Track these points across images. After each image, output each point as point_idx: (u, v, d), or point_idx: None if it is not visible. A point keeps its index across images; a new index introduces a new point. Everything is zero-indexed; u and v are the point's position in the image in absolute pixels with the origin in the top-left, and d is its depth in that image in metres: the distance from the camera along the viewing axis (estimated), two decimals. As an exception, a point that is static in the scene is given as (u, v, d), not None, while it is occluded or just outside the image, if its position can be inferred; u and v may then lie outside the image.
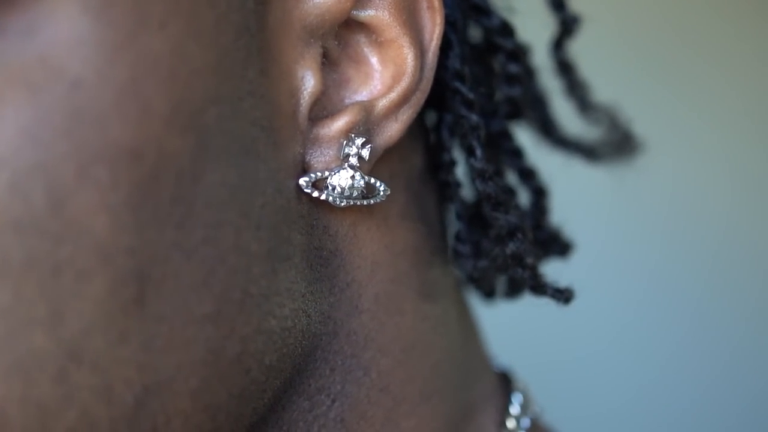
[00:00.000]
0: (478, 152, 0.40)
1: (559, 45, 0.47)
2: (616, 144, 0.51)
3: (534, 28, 0.45)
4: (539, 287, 0.42)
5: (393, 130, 0.37)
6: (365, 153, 0.36)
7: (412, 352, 0.40)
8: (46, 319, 0.30)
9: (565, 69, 0.48)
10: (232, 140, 0.33)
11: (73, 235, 0.30)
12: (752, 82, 1.26)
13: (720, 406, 1.23)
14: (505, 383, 0.46)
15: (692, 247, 1.25)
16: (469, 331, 0.45)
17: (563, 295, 0.42)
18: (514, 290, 0.47)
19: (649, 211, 1.17)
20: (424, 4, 0.38)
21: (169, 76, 0.31)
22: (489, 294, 0.48)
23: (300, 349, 0.37)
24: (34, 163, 0.30)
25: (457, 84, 0.40)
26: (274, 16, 0.35)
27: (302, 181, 0.36)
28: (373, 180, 0.37)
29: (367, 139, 0.37)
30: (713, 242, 1.24)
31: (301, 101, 0.35)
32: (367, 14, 0.36)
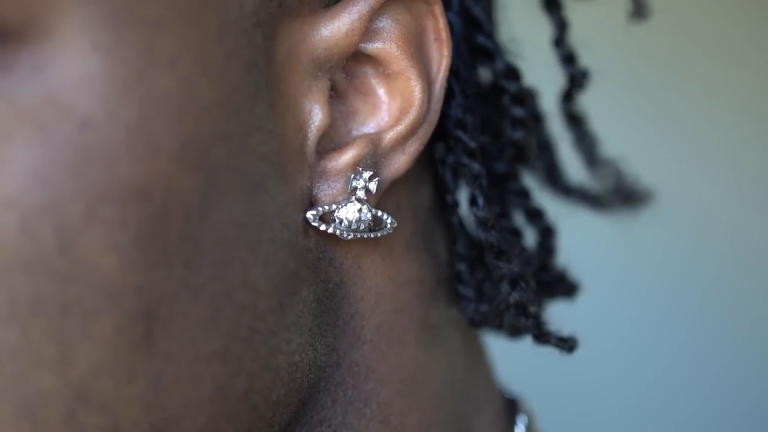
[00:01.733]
0: (480, 201, 0.40)
1: (568, 98, 0.47)
2: (622, 195, 0.51)
3: (545, 74, 0.45)
4: (542, 336, 0.42)
5: (400, 162, 0.37)
6: (372, 186, 0.36)
7: (413, 382, 0.40)
8: (54, 360, 0.30)
9: (574, 122, 0.48)
10: (240, 176, 0.33)
11: (82, 275, 0.30)
12: (757, 84, 1.26)
13: (723, 412, 1.24)
14: (511, 411, 0.46)
15: (695, 252, 1.25)
16: (474, 358, 0.45)
17: (567, 344, 0.42)
18: (515, 332, 0.47)
19: (652, 214, 1.17)
20: (432, 36, 0.38)
21: (178, 114, 0.31)
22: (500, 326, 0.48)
23: (306, 383, 0.36)
24: (43, 203, 0.29)
25: (459, 133, 0.40)
26: (282, 50, 0.34)
27: (309, 214, 0.36)
28: (380, 213, 0.37)
29: (374, 172, 0.36)
30: (717, 247, 1.25)
31: (309, 135, 0.35)
32: (374, 47, 0.36)
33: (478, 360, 0.45)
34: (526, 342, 0.46)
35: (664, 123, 1.18)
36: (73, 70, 0.30)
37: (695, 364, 1.26)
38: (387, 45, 0.36)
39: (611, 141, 0.50)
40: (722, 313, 1.25)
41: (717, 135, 1.26)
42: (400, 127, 0.37)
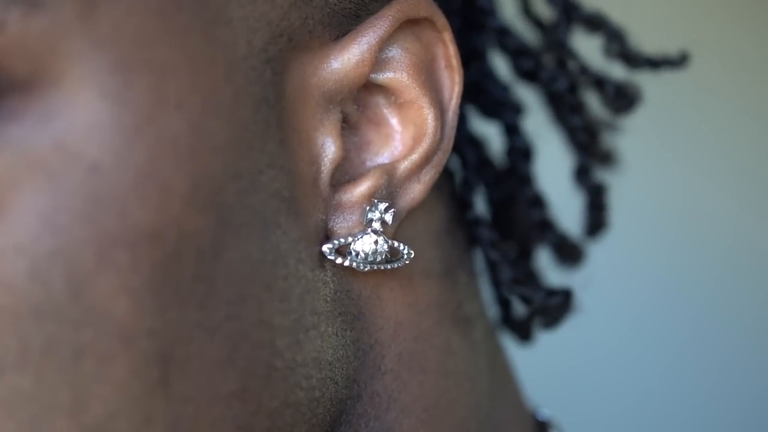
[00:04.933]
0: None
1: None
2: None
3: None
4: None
5: (416, 191, 0.37)
6: (388, 218, 0.36)
7: (436, 410, 0.40)
8: (69, 405, 0.30)
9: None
10: (252, 215, 0.33)
11: (94, 320, 0.30)
12: (757, 84, 1.25)
13: (723, 413, 1.23)
14: None
15: (696, 252, 1.24)
16: (500, 382, 0.44)
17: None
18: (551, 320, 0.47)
19: (653, 214, 1.16)
20: (442, 63, 0.37)
21: (188, 156, 0.31)
22: (525, 337, 0.48)
23: (328, 417, 0.36)
24: (53, 249, 0.29)
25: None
26: (292, 85, 0.34)
27: (325, 248, 0.35)
28: (396, 243, 0.37)
29: (390, 203, 0.36)
30: (717, 247, 1.24)
31: (322, 168, 0.35)
32: (385, 77, 0.36)
33: (505, 383, 0.44)
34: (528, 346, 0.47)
35: (664, 123, 1.17)
36: (82, 117, 0.30)
37: (695, 366, 1.25)
38: (398, 74, 0.36)
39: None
40: (722, 314, 1.24)
41: (717, 135, 1.25)
42: (415, 156, 0.36)
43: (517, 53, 0.45)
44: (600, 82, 0.46)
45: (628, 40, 0.47)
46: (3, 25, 0.29)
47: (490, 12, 0.44)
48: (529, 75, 0.45)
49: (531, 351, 0.51)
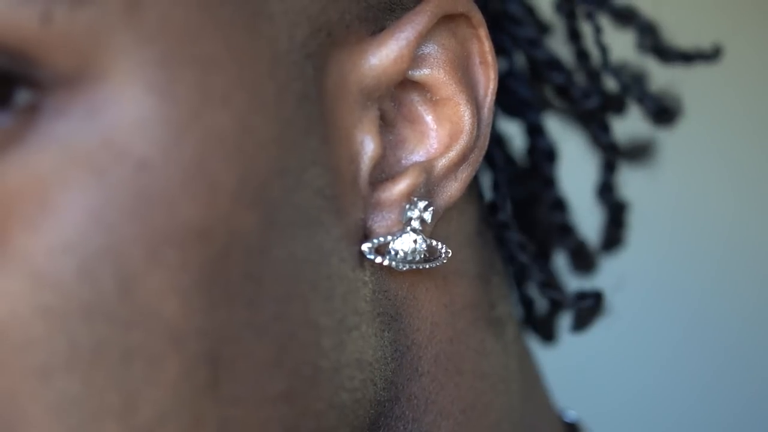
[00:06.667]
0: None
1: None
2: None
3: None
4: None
5: (453, 189, 0.37)
6: (428, 216, 0.35)
7: (472, 413, 0.39)
8: (118, 408, 0.29)
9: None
10: (297, 212, 0.32)
11: (143, 320, 0.29)
12: (756, 83, 1.26)
13: (721, 411, 1.23)
14: None
15: (694, 252, 1.25)
16: (530, 384, 0.44)
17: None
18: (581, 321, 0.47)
19: (651, 214, 1.17)
20: (477, 60, 0.37)
21: (235, 152, 0.30)
22: (548, 338, 0.48)
23: (368, 420, 0.36)
24: (102, 247, 0.29)
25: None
26: (331, 81, 0.34)
27: (365, 247, 0.35)
28: (434, 242, 0.36)
29: (429, 201, 0.36)
30: (715, 246, 1.24)
31: (361, 166, 0.35)
32: (422, 73, 0.36)
33: (535, 386, 0.44)
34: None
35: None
36: (128, 112, 0.29)
37: (693, 366, 1.26)
38: (435, 71, 0.36)
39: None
40: (720, 314, 1.25)
41: (715, 135, 1.26)
42: (452, 154, 0.36)
43: (548, 67, 0.44)
44: (641, 98, 0.46)
45: (661, 34, 0.47)
46: (49, 19, 0.28)
47: (522, 21, 0.43)
48: (559, 90, 0.45)
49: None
